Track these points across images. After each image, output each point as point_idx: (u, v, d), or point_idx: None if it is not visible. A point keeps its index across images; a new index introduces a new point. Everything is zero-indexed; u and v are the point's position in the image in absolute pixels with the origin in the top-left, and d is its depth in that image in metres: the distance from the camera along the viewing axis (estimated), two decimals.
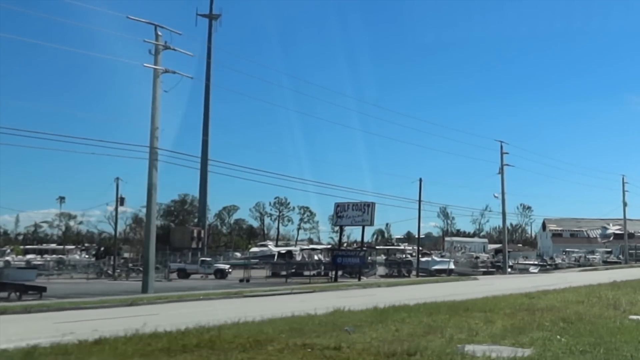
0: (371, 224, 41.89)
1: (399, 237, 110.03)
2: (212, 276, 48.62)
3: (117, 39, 29.35)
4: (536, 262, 61.53)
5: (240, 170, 47.04)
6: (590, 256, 77.08)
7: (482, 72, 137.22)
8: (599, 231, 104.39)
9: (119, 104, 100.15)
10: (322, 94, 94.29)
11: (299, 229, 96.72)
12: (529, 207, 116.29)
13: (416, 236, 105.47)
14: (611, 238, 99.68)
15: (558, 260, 68.20)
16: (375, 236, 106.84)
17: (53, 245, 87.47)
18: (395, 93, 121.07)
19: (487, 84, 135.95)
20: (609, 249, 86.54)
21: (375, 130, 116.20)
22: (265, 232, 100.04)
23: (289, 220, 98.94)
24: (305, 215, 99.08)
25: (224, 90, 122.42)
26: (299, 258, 53.61)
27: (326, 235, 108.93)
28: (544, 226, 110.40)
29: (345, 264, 41.99)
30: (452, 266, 53.29)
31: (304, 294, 25.99)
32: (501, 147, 54.51)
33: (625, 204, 76.34)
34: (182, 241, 73.11)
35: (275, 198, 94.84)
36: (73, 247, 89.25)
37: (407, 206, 56.38)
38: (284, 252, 55.59)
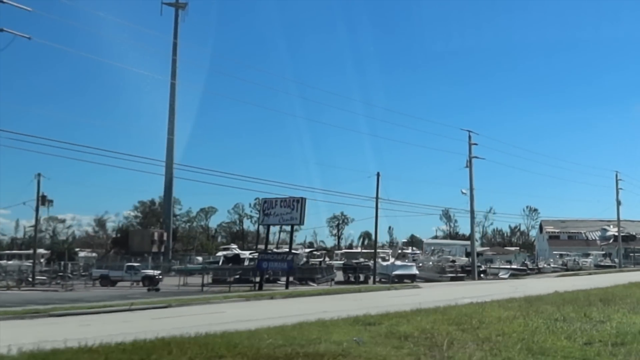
0: (300, 222, 35.61)
1: (404, 240, 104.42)
2: (141, 283, 43.20)
3: None
4: (512, 267, 54.55)
5: (218, 175, 42.06)
6: (584, 259, 69.88)
7: (487, 78, 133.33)
8: (599, 233, 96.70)
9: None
10: (329, 98, 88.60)
11: (280, 232, 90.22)
12: (535, 210, 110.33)
13: (422, 239, 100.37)
14: (611, 240, 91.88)
15: (543, 265, 61.13)
16: (361, 239, 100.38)
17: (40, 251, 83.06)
18: (402, 98, 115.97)
19: (491, 89, 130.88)
20: (603, 252, 79.11)
21: (382, 134, 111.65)
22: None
23: None
24: None
25: (228, 97, 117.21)
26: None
27: (323, 236, 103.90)
28: (541, 228, 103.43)
29: (272, 269, 35.80)
30: (414, 271, 46.74)
31: (144, 310, 19.80)
32: (469, 137, 47.77)
33: (619, 203, 68.84)
34: (141, 245, 67.49)
35: (256, 199, 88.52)
36: (47, 252, 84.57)
37: (412, 210, 51.90)
38: (230, 256, 49.39)
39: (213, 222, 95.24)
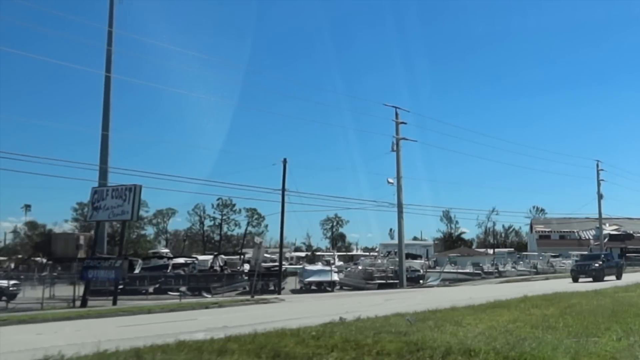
0: (133, 217, 26.63)
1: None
2: None
3: None
4: (461, 271, 44.70)
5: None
6: (563, 261, 59.74)
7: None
8: (593, 232, 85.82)
9: None
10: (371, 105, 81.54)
11: (246, 233, 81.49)
12: (542, 210, 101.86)
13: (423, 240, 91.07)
14: (606, 239, 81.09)
15: (508, 267, 51.03)
16: (334, 241, 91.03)
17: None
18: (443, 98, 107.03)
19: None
20: (590, 252, 68.30)
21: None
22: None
23: (235, 224, 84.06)
24: (254, 219, 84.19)
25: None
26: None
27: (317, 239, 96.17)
28: (531, 227, 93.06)
29: (98, 278, 26.70)
30: (331, 277, 37.57)
31: None
32: (396, 113, 37.94)
33: (601, 196, 58.27)
34: (65, 250, 59.02)
35: (218, 199, 79.92)
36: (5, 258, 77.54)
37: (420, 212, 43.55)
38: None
39: (180, 225, 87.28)
